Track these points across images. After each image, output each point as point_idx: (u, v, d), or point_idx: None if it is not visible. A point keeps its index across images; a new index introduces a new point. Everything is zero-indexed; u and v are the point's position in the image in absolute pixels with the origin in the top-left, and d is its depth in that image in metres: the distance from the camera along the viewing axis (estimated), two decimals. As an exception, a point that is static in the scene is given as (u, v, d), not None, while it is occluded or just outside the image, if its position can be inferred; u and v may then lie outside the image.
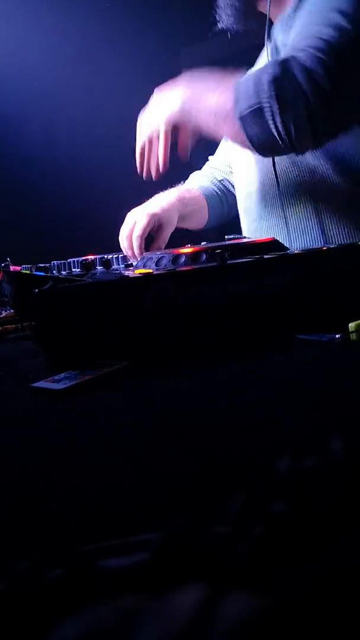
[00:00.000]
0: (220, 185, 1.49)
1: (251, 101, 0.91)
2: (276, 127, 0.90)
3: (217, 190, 1.48)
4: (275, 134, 0.91)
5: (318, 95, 0.89)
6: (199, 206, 1.42)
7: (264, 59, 1.18)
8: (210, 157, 1.55)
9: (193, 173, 1.54)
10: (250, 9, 1.20)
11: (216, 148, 1.54)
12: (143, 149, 1.12)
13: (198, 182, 1.48)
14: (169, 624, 0.21)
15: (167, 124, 1.06)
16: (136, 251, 1.18)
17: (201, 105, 1.00)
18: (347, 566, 0.22)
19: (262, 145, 0.97)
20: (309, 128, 0.92)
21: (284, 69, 0.90)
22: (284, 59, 0.91)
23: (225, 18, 1.22)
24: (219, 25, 1.25)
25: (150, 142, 1.10)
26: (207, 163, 1.55)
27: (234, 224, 1.45)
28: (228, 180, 1.48)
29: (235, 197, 1.43)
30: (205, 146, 1.50)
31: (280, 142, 0.93)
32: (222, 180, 1.49)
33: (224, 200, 1.49)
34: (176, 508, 0.31)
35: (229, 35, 1.26)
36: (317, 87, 0.88)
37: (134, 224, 1.20)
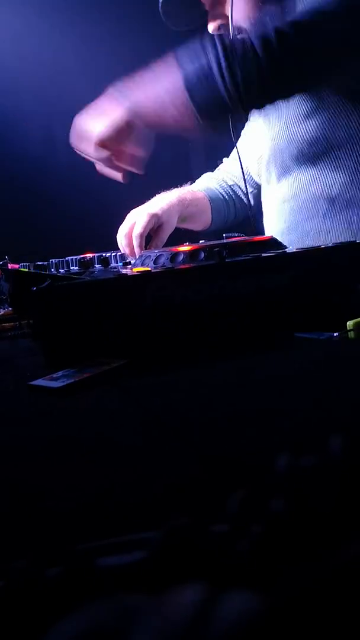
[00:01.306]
0: (229, 190, 1.47)
1: (199, 61, 0.88)
2: (225, 84, 0.87)
3: (224, 194, 1.46)
4: (224, 91, 0.88)
5: (268, 52, 0.86)
6: (201, 208, 1.42)
7: None
8: (224, 159, 1.54)
9: (205, 174, 1.53)
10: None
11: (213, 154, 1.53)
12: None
13: (205, 184, 1.47)
14: (168, 622, 0.21)
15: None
16: (136, 249, 1.19)
17: (145, 96, 0.94)
18: (347, 565, 0.22)
19: (208, 107, 0.92)
20: (258, 85, 0.90)
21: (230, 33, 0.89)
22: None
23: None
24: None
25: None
26: (220, 166, 1.54)
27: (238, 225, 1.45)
28: (239, 186, 1.47)
29: (244, 202, 1.43)
30: (205, 152, 1.50)
31: (228, 99, 0.89)
32: (232, 185, 1.48)
33: (230, 205, 1.47)
34: (175, 506, 0.31)
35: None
36: (267, 44, 0.86)
37: (133, 222, 1.21)
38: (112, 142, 0.96)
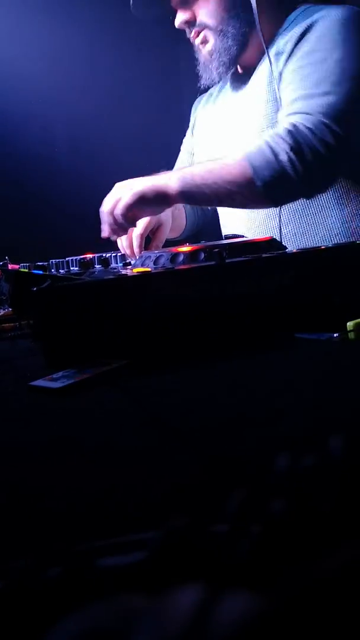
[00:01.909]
0: None
1: (272, 169, 1.03)
2: (301, 181, 1.03)
3: None
4: (300, 186, 1.05)
5: (329, 150, 1.03)
6: (180, 211, 1.45)
7: (262, 79, 1.23)
8: (179, 157, 1.58)
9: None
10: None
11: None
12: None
13: None
14: (168, 623, 0.21)
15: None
16: (136, 250, 1.19)
17: (204, 182, 1.05)
18: (347, 565, 0.22)
19: (284, 200, 1.15)
20: (327, 177, 1.10)
21: (294, 138, 1.03)
22: (291, 129, 1.04)
23: (212, 74, 1.27)
24: (203, 82, 1.30)
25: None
26: (178, 163, 1.57)
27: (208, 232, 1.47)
28: None
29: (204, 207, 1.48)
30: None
31: (302, 192, 1.10)
32: None
33: (196, 209, 1.51)
34: (175, 506, 0.31)
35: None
36: (327, 145, 1.03)
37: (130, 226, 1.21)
38: (143, 204, 1.06)
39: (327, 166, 1.06)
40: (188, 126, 1.58)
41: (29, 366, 0.69)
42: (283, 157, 1.02)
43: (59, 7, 2.06)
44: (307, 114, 1.05)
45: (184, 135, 1.59)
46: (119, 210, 1.07)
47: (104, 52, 2.12)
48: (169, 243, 1.35)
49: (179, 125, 1.66)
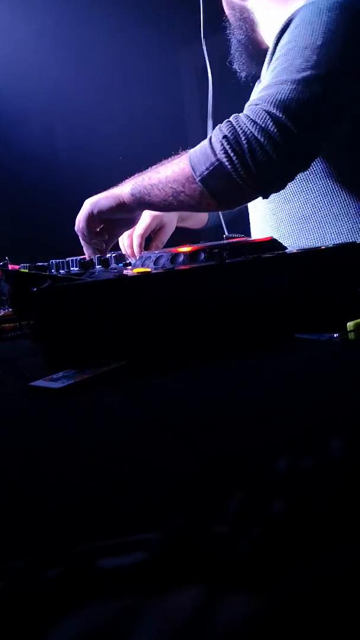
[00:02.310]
0: None
1: (208, 162, 0.94)
2: (239, 175, 0.92)
3: None
4: (241, 182, 0.93)
5: (270, 139, 0.91)
6: None
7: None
8: None
9: None
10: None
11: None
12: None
13: None
14: (168, 623, 0.21)
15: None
16: (136, 250, 1.19)
17: (152, 183, 1.01)
18: (347, 565, 0.22)
19: (229, 198, 1.00)
20: (269, 169, 0.93)
21: (232, 126, 0.93)
22: (231, 119, 0.95)
23: (242, 67, 1.26)
24: (243, 75, 1.28)
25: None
26: None
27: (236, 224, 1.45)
28: None
29: None
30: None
31: (247, 189, 0.95)
32: None
33: None
34: (175, 506, 0.31)
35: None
36: (267, 134, 0.91)
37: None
38: (102, 214, 1.07)
39: (272, 160, 0.92)
40: (189, 126, 1.58)
41: (29, 366, 0.69)
42: (217, 147, 0.93)
43: (60, 6, 2.07)
44: (254, 104, 0.95)
45: (184, 134, 1.59)
46: (79, 225, 1.09)
47: (104, 50, 2.12)
48: (193, 234, 1.35)
49: (180, 124, 1.66)
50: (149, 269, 0.75)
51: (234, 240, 0.93)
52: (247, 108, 0.96)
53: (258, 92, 1.02)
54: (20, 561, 0.27)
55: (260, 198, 1.02)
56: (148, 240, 1.22)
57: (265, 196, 1.00)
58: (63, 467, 0.39)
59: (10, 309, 0.93)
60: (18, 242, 1.61)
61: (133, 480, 0.36)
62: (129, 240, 1.21)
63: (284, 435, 0.40)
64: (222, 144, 0.92)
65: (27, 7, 2.02)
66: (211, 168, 0.93)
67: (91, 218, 1.07)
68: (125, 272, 0.80)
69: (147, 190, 1.02)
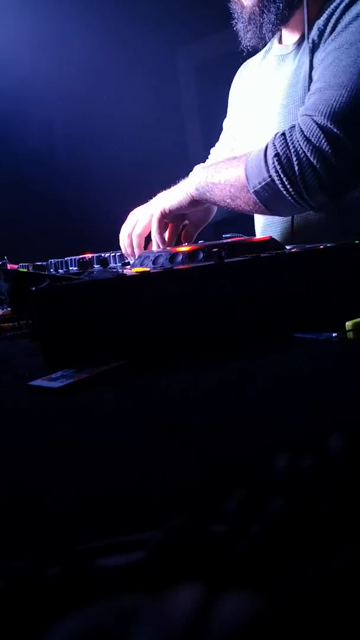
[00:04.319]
0: None
1: (261, 176, 0.97)
2: (290, 195, 0.95)
3: None
4: (292, 200, 0.96)
5: (323, 160, 0.92)
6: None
7: (302, 69, 1.12)
8: (212, 150, 1.52)
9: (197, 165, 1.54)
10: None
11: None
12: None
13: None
14: (168, 623, 0.21)
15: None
16: (135, 250, 1.19)
17: (214, 181, 1.05)
18: (347, 565, 0.22)
19: (280, 210, 1.05)
20: (320, 191, 0.95)
21: (286, 143, 0.94)
22: (286, 132, 0.96)
23: (248, 35, 1.17)
24: (246, 44, 1.21)
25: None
26: (210, 157, 1.53)
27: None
28: None
29: None
30: (205, 150, 1.49)
31: (298, 205, 0.98)
32: None
33: None
34: (174, 506, 0.31)
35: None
36: (320, 154, 0.92)
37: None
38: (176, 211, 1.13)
39: (325, 182, 0.93)
40: (187, 126, 1.57)
41: (28, 366, 0.69)
42: (270, 164, 0.94)
43: (60, 4, 2.06)
44: (308, 115, 0.94)
45: (184, 134, 1.59)
46: (140, 228, 1.18)
47: (104, 50, 2.12)
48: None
49: (180, 125, 1.66)
50: (147, 269, 0.75)
51: (232, 239, 0.93)
52: (301, 118, 0.95)
53: (311, 90, 1.00)
54: (20, 561, 0.27)
55: None
56: (147, 241, 1.22)
57: (317, 211, 1.04)
58: (62, 467, 0.39)
59: (9, 309, 0.93)
60: (17, 241, 1.61)
61: (133, 480, 0.36)
62: (128, 240, 1.21)
63: (283, 435, 0.40)
64: (274, 163, 0.94)
65: (27, 7, 2.01)
66: (263, 183, 0.96)
67: (164, 214, 1.14)
68: (124, 271, 0.80)
69: (209, 187, 1.06)
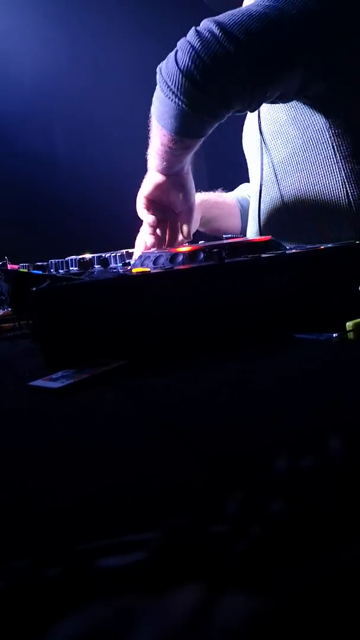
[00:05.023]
0: None
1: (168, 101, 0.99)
2: (167, 85, 0.97)
3: None
4: (168, 94, 0.98)
5: (204, 47, 0.94)
6: (227, 212, 1.47)
7: None
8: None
9: (243, 184, 1.57)
10: None
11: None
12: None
13: (241, 192, 1.54)
14: (168, 623, 0.21)
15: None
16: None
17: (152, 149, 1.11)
18: (347, 565, 0.22)
19: (195, 131, 1.04)
20: (196, 77, 0.95)
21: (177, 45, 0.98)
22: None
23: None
24: None
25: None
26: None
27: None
28: None
29: None
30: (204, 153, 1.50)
31: (175, 101, 0.99)
32: None
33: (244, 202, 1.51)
34: (175, 506, 0.31)
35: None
36: (204, 42, 0.94)
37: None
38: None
39: (203, 64, 0.94)
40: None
41: (28, 366, 0.69)
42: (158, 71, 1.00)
43: (59, 3, 2.06)
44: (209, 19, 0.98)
45: None
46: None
47: (104, 49, 2.12)
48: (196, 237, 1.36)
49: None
50: (148, 269, 0.75)
51: (233, 240, 0.93)
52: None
53: None
54: (20, 561, 0.27)
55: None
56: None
57: (210, 121, 1.02)
58: (63, 467, 0.39)
59: (9, 309, 0.93)
60: (17, 241, 1.61)
61: (133, 480, 0.36)
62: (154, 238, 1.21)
63: (283, 435, 0.40)
64: (160, 68, 0.99)
65: (25, 3, 2.01)
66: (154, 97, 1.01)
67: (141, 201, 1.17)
68: (124, 272, 0.80)
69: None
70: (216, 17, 0.97)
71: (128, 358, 0.64)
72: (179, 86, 0.95)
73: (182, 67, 0.95)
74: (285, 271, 0.73)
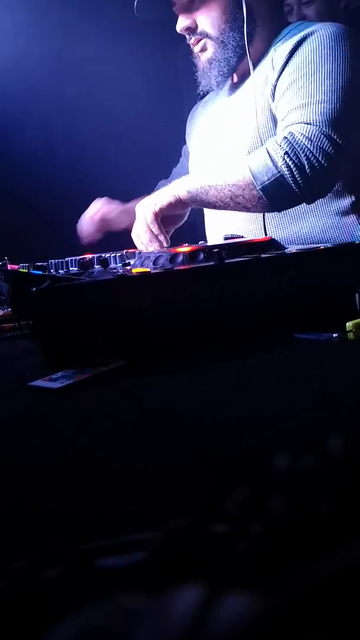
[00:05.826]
0: None
1: (270, 173, 1.09)
2: (298, 186, 1.09)
3: None
4: (298, 191, 1.10)
5: (326, 156, 1.08)
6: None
7: (254, 89, 1.27)
8: (174, 170, 1.61)
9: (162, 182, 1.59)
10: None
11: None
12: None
13: None
14: (167, 623, 0.21)
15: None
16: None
17: (210, 184, 1.15)
18: (347, 565, 0.22)
19: (285, 205, 1.18)
20: (324, 182, 1.13)
21: (291, 144, 1.09)
22: (287, 136, 1.10)
23: (211, 81, 1.32)
24: (202, 88, 1.36)
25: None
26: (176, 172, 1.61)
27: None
28: None
29: None
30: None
31: (302, 198, 1.13)
32: None
33: None
34: (174, 507, 0.31)
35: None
36: (323, 151, 1.08)
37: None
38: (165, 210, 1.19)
39: (326, 173, 1.10)
40: (186, 127, 1.59)
41: (28, 366, 0.69)
42: (280, 163, 1.08)
43: (58, 3, 2.06)
44: (305, 123, 1.11)
45: (183, 137, 1.60)
46: (143, 225, 1.20)
47: (103, 49, 2.12)
48: (193, 235, 1.36)
49: (178, 126, 1.66)
50: (148, 269, 0.75)
51: (233, 240, 0.93)
52: (296, 126, 1.11)
53: (288, 108, 1.16)
54: (20, 561, 0.27)
55: None
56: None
57: (310, 202, 1.17)
58: (62, 467, 0.39)
59: (9, 309, 0.93)
60: (17, 242, 1.61)
61: (133, 480, 0.36)
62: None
63: (283, 435, 0.40)
64: (285, 159, 1.08)
65: (25, 2, 2.01)
66: (272, 179, 1.09)
67: (156, 214, 1.18)
68: (124, 272, 0.80)
69: (204, 189, 1.15)
70: None
71: (128, 358, 0.64)
72: None
73: (315, 174, 1.11)
74: (285, 271, 0.73)
